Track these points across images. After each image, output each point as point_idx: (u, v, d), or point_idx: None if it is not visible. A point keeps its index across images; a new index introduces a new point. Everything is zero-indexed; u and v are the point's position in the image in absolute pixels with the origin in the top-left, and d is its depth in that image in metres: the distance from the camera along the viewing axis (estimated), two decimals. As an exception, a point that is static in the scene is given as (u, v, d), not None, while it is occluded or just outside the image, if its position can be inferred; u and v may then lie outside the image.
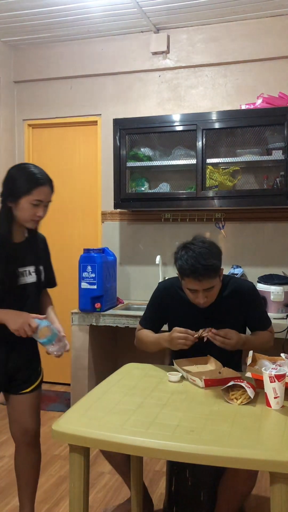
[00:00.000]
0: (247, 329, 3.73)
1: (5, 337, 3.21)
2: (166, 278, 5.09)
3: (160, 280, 5.88)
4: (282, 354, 3.25)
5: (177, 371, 3.34)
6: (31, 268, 3.34)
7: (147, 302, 3.84)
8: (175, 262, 3.41)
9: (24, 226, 3.24)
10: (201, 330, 3.33)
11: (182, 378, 3.27)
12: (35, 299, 3.41)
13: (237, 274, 5.68)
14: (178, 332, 3.34)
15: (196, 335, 3.32)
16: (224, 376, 3.14)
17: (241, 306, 3.58)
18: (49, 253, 3.59)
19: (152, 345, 3.61)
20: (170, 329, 3.73)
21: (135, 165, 5.96)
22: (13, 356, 3.32)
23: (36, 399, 3.47)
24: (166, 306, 3.69)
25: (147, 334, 3.69)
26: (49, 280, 3.58)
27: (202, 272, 3.25)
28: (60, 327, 3.34)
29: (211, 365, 3.39)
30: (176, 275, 3.59)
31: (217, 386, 3.01)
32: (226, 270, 3.62)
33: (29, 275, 3.32)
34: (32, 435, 3.45)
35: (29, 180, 3.11)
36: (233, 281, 3.65)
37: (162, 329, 3.78)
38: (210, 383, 3.08)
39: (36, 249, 3.40)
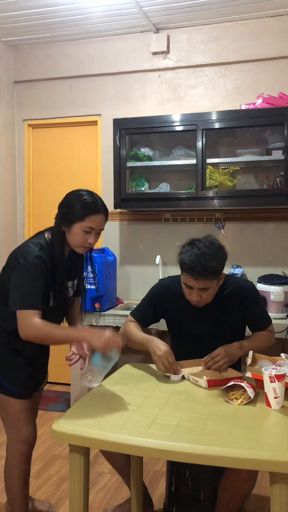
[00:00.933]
0: (247, 330, 3.74)
1: (26, 349, 3.36)
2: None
3: (160, 278, 5.90)
4: (282, 354, 3.26)
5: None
6: (71, 282, 3.51)
7: (146, 298, 3.83)
8: (178, 255, 3.40)
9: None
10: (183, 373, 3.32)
11: (183, 377, 3.27)
12: (68, 312, 3.63)
13: (237, 274, 5.68)
14: (166, 359, 3.27)
15: (178, 373, 3.30)
16: (226, 376, 3.14)
17: (240, 305, 3.57)
18: (83, 265, 3.68)
19: (136, 343, 3.54)
20: (168, 327, 3.74)
21: (135, 165, 5.95)
22: (38, 365, 3.51)
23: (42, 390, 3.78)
24: (163, 303, 3.66)
25: (134, 330, 3.62)
26: (79, 290, 3.71)
27: (200, 271, 3.24)
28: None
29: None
30: (178, 274, 3.60)
31: (220, 386, 3.01)
32: (226, 270, 3.62)
33: (70, 289, 3.50)
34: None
35: (84, 207, 3.20)
36: (232, 280, 3.64)
37: (162, 328, 3.77)
38: (213, 384, 3.08)
39: (76, 263, 3.54)
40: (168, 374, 3.28)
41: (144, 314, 3.74)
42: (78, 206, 3.19)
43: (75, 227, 3.19)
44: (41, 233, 3.37)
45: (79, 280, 3.63)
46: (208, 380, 3.08)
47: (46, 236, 3.31)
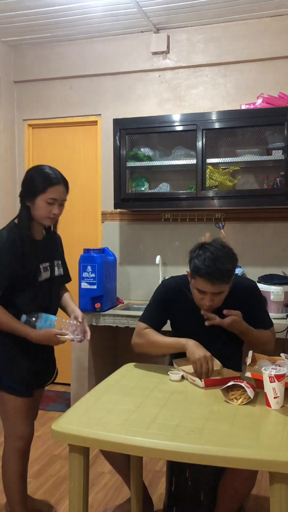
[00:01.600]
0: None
1: (29, 346, 3.39)
2: (166, 278, 5.08)
3: (160, 280, 5.90)
4: (282, 354, 3.25)
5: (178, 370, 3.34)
6: (48, 264, 3.53)
7: (147, 302, 3.77)
8: (189, 260, 3.37)
9: (41, 224, 3.45)
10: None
11: (183, 377, 3.27)
12: (53, 293, 3.62)
13: (237, 274, 5.68)
14: (206, 362, 3.18)
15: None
16: (224, 376, 3.14)
17: (242, 304, 3.56)
18: (63, 251, 3.82)
19: (166, 347, 3.45)
20: (172, 327, 3.73)
21: (135, 165, 5.96)
22: (40, 361, 3.54)
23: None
24: (169, 304, 3.63)
25: (158, 335, 3.52)
26: (65, 275, 3.81)
27: (217, 275, 3.21)
28: (78, 312, 3.62)
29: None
30: (181, 274, 3.60)
31: (217, 386, 3.01)
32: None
33: (47, 271, 3.52)
34: (36, 415, 3.79)
35: (44, 179, 3.31)
36: (235, 279, 3.64)
37: (164, 328, 3.77)
38: (210, 383, 3.08)
39: (53, 246, 3.63)
40: (169, 373, 3.27)
41: (157, 318, 3.64)
42: (39, 179, 3.31)
43: (38, 200, 3.30)
44: (12, 220, 3.47)
45: (62, 264, 3.74)
46: (205, 380, 3.07)
47: (13, 221, 3.43)
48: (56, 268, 3.59)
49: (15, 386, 3.34)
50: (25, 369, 3.37)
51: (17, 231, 3.33)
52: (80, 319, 3.55)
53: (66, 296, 3.79)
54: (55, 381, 3.79)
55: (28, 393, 3.39)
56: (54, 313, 3.59)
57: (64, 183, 3.38)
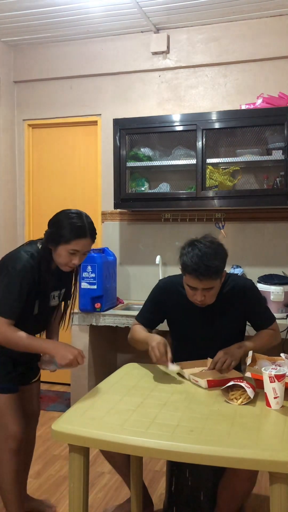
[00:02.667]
0: (246, 330, 3.74)
1: (8, 354, 3.39)
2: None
3: (160, 279, 5.90)
4: (282, 354, 3.26)
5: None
6: (58, 292, 3.55)
7: (147, 300, 3.83)
8: (180, 257, 3.39)
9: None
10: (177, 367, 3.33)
11: (182, 377, 3.27)
12: (50, 319, 3.69)
13: (237, 274, 5.68)
14: (157, 349, 3.26)
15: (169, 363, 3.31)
16: (226, 377, 3.14)
17: (240, 304, 3.57)
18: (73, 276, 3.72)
19: (140, 343, 3.54)
20: (169, 327, 3.74)
21: (135, 165, 5.96)
22: (20, 356, 3.45)
23: (39, 386, 3.84)
24: (164, 304, 3.66)
25: (139, 331, 3.64)
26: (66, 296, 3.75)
27: (203, 272, 3.23)
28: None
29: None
30: (178, 273, 3.60)
31: (220, 387, 3.01)
32: (226, 270, 3.61)
33: (55, 299, 3.54)
34: (37, 416, 3.81)
35: (70, 231, 3.23)
36: (232, 279, 3.64)
37: (162, 328, 3.78)
38: (213, 384, 3.08)
39: (63, 273, 3.53)
40: (166, 365, 3.28)
41: (148, 317, 3.73)
42: (66, 228, 3.23)
43: (60, 248, 3.25)
44: (33, 242, 3.42)
45: (67, 289, 3.69)
46: (208, 381, 3.07)
47: (38, 246, 3.37)
48: (56, 298, 3.57)
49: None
50: (5, 365, 3.37)
51: (37, 260, 3.29)
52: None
53: (55, 327, 3.80)
54: (55, 381, 3.78)
55: (12, 389, 3.39)
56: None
57: (92, 235, 3.31)
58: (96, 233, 3.36)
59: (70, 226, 3.22)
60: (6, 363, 3.38)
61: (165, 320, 3.76)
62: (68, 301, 3.72)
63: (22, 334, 3.16)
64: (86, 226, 3.27)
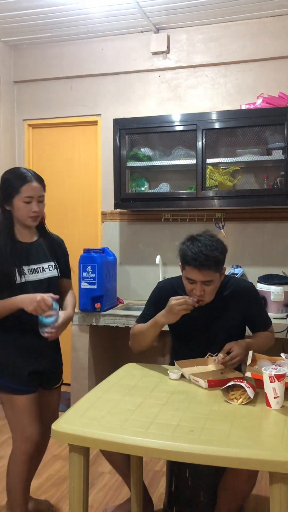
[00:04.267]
0: (247, 330, 3.74)
1: (30, 346, 3.41)
2: (166, 278, 5.07)
3: (160, 280, 5.90)
4: (282, 354, 3.26)
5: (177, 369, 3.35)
6: (37, 266, 3.48)
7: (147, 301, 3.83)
8: (179, 251, 3.42)
9: (27, 225, 3.41)
10: (191, 299, 3.34)
11: (182, 376, 3.27)
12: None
13: (237, 274, 5.68)
14: (175, 299, 3.31)
15: (193, 300, 3.33)
16: (227, 377, 3.14)
17: (240, 306, 3.57)
18: (67, 253, 3.78)
19: (149, 329, 3.52)
20: (170, 329, 3.74)
21: (135, 165, 5.96)
22: (42, 361, 3.50)
23: (60, 393, 3.86)
24: (164, 305, 3.65)
25: (141, 325, 3.63)
26: (64, 272, 3.72)
27: (203, 261, 3.25)
28: (62, 315, 3.45)
29: (212, 366, 3.39)
30: (176, 276, 3.60)
31: (220, 387, 3.01)
32: (226, 270, 3.62)
33: (38, 273, 3.47)
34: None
35: (16, 179, 3.31)
36: (232, 281, 3.65)
37: (163, 328, 3.78)
38: (213, 384, 3.08)
39: (48, 248, 3.56)
40: (168, 372, 3.28)
41: (149, 317, 3.66)
42: (12, 180, 3.31)
43: (15, 202, 3.30)
44: None
45: (62, 264, 3.68)
46: (208, 381, 3.07)
47: None
48: (47, 270, 3.52)
49: (16, 385, 3.33)
50: (23, 366, 3.36)
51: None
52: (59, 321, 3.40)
53: (67, 300, 3.72)
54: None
55: (29, 390, 3.38)
56: None
57: (38, 179, 3.37)
58: (42, 179, 3.42)
59: (14, 176, 3.33)
60: (25, 363, 3.39)
61: None
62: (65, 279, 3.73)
63: None
64: (29, 173, 3.36)
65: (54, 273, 3.57)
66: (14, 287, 3.33)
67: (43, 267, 3.49)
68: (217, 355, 3.34)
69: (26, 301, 3.22)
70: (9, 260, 3.32)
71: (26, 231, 3.45)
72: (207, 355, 3.43)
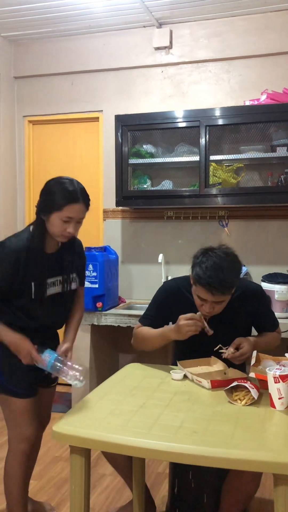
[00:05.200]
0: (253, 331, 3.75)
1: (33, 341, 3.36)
2: (169, 277, 5.07)
3: (162, 279, 5.90)
4: (286, 354, 3.25)
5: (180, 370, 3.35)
6: (59, 278, 3.44)
7: (149, 301, 3.81)
8: (192, 267, 3.34)
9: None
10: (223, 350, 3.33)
11: (185, 377, 3.27)
12: (61, 309, 3.56)
13: (246, 278, 5.67)
14: (185, 319, 3.28)
15: (204, 325, 3.31)
16: (230, 377, 3.14)
17: (248, 308, 3.57)
18: (85, 257, 3.75)
19: (156, 339, 3.54)
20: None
21: (137, 162, 5.96)
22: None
23: (55, 390, 3.83)
24: (169, 307, 3.64)
25: (148, 330, 3.62)
26: (81, 280, 3.70)
27: (217, 287, 3.19)
28: (66, 346, 3.44)
29: (216, 366, 3.39)
30: (182, 276, 3.60)
31: (224, 387, 3.00)
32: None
33: (57, 286, 3.43)
34: (48, 422, 3.80)
35: (62, 196, 3.15)
36: (241, 284, 3.62)
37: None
38: (217, 385, 3.07)
39: (70, 258, 3.51)
40: (171, 372, 3.29)
41: (154, 318, 3.70)
42: (57, 195, 3.16)
43: (53, 217, 3.17)
44: (29, 225, 3.38)
45: (79, 272, 3.63)
46: (212, 381, 3.07)
47: (29, 228, 3.34)
48: (68, 282, 3.49)
49: (16, 388, 3.33)
50: (26, 369, 3.34)
51: (28, 243, 3.24)
52: (67, 359, 3.36)
53: (73, 321, 3.70)
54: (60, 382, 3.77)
55: (30, 393, 3.38)
56: (59, 328, 3.65)
57: (84, 201, 3.23)
58: (89, 199, 3.28)
59: (62, 191, 3.16)
60: (22, 365, 3.34)
61: (170, 323, 3.74)
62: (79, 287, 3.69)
63: None
64: (78, 191, 3.20)
65: (74, 285, 3.56)
66: (38, 300, 3.31)
67: (66, 279, 3.47)
68: (227, 348, 3.34)
69: (13, 344, 3.25)
70: (37, 272, 3.27)
71: (52, 242, 3.36)
72: (218, 346, 3.40)
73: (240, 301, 3.55)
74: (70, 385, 3.78)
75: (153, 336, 3.57)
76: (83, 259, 3.70)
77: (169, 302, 3.64)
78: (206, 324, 3.31)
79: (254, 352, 3.31)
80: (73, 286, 3.54)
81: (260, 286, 3.74)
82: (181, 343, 3.58)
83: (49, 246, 3.35)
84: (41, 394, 3.56)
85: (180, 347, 3.69)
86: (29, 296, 3.25)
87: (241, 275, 3.76)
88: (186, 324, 3.28)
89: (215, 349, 3.39)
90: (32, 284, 3.25)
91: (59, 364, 3.19)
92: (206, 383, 3.08)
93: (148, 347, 3.65)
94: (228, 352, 3.31)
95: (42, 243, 3.28)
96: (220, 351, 3.36)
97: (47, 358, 3.21)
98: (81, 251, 3.69)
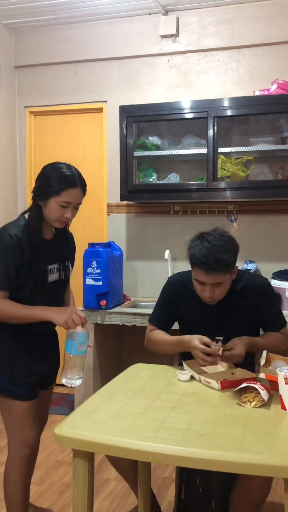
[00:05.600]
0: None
1: (37, 349, 3.45)
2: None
3: (169, 276, 5.89)
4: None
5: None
6: (56, 266, 3.49)
7: (156, 299, 3.83)
8: (188, 250, 3.42)
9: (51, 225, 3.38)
10: (213, 345, 3.31)
11: (192, 378, 3.27)
12: (60, 297, 3.62)
13: (250, 269, 5.67)
14: (201, 350, 3.26)
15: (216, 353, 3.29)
16: (239, 377, 3.13)
17: (253, 302, 3.56)
18: (75, 246, 3.79)
19: (174, 346, 3.58)
20: (180, 325, 3.74)
21: (142, 154, 5.95)
22: (45, 362, 3.54)
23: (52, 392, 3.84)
24: (175, 302, 3.67)
25: (163, 336, 3.65)
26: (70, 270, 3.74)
27: (212, 265, 3.24)
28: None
29: (222, 366, 3.38)
30: (188, 270, 3.60)
31: (233, 388, 2.99)
32: (239, 266, 3.61)
33: (54, 273, 3.48)
34: (45, 424, 3.80)
35: (59, 181, 3.23)
36: (246, 276, 3.64)
37: (172, 327, 3.77)
38: (226, 385, 3.06)
39: (63, 246, 3.57)
40: (177, 373, 3.29)
41: (163, 317, 3.75)
42: (55, 179, 3.23)
43: (51, 202, 3.24)
44: (22, 214, 3.42)
45: (67, 263, 3.65)
46: (221, 382, 3.06)
47: (26, 216, 3.37)
48: (64, 270, 3.55)
49: (17, 390, 3.33)
50: (26, 370, 3.35)
51: (26, 230, 3.28)
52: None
53: (69, 300, 3.75)
54: (58, 383, 3.76)
55: (32, 395, 3.38)
56: None
57: (82, 185, 3.32)
58: (86, 185, 3.37)
59: (59, 176, 3.24)
60: (24, 366, 3.37)
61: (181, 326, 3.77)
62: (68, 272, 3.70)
63: (15, 303, 3.20)
64: (75, 176, 3.29)
65: (68, 273, 3.61)
66: (43, 288, 3.36)
67: (62, 266, 3.53)
68: (217, 342, 3.32)
69: (57, 313, 3.24)
70: (40, 259, 3.32)
71: (48, 227, 3.41)
72: (214, 339, 3.39)
73: (245, 294, 3.56)
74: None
75: (169, 343, 3.60)
76: (74, 248, 3.77)
77: (175, 296, 3.68)
78: (220, 352, 3.29)
79: (264, 352, 3.31)
80: (68, 273, 3.61)
81: (266, 280, 3.72)
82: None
83: (46, 233, 3.41)
84: (40, 395, 3.55)
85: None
86: (32, 283, 3.30)
87: (251, 271, 3.76)
88: (199, 355, 3.27)
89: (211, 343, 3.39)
90: (34, 270, 3.30)
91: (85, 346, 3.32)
92: (216, 383, 3.08)
93: (164, 351, 3.70)
94: (215, 347, 3.30)
95: (40, 229, 3.34)
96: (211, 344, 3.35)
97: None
98: (72, 239, 3.76)
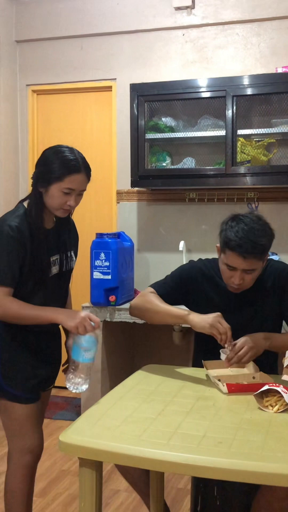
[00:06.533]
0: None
1: (41, 350, 3.44)
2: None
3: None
4: None
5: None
6: (58, 257, 3.47)
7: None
8: (220, 232, 3.40)
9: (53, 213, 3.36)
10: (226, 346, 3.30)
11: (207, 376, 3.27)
12: (62, 291, 3.62)
13: (273, 258, 5.66)
14: (220, 322, 3.23)
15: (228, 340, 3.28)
16: (257, 381, 3.12)
17: (276, 290, 3.54)
18: (78, 235, 3.76)
19: (170, 316, 3.47)
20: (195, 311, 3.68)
21: (155, 137, 5.95)
22: (48, 363, 3.54)
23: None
24: (191, 287, 3.64)
25: (161, 302, 3.53)
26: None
27: (249, 249, 3.23)
28: None
29: (248, 369, 3.37)
30: (211, 258, 3.59)
31: (243, 393, 2.99)
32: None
33: (56, 265, 3.46)
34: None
35: (62, 165, 3.19)
36: (269, 262, 3.62)
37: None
38: (234, 389, 3.05)
39: (66, 235, 3.55)
40: (220, 351, 3.30)
41: (169, 290, 3.67)
42: (57, 164, 3.19)
43: (52, 188, 3.20)
44: (20, 202, 3.40)
45: (71, 253, 3.63)
46: (228, 384, 3.04)
47: (25, 204, 3.34)
48: (67, 261, 3.53)
49: (19, 392, 3.33)
50: (29, 372, 3.36)
51: (26, 219, 3.26)
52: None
53: (68, 304, 3.76)
54: (63, 386, 3.77)
55: (34, 398, 3.38)
56: None
57: (86, 171, 3.27)
58: (90, 170, 3.32)
59: (62, 161, 3.20)
60: (26, 367, 3.38)
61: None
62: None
63: (23, 303, 3.19)
64: (79, 160, 3.24)
65: (72, 265, 3.60)
66: (45, 281, 3.35)
67: (63, 258, 3.50)
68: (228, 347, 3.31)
69: (69, 315, 3.21)
70: (43, 251, 3.30)
71: (49, 216, 3.38)
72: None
73: (268, 282, 3.56)
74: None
75: (167, 312, 3.49)
76: (77, 237, 3.74)
77: (192, 281, 3.65)
78: (230, 341, 3.28)
79: (287, 353, 3.29)
80: (71, 265, 3.58)
81: (286, 264, 3.71)
82: (203, 342, 3.57)
83: (46, 222, 3.38)
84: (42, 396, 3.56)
85: (202, 346, 3.67)
86: (34, 276, 3.29)
87: (274, 259, 3.74)
88: (218, 324, 3.24)
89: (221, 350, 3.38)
90: (36, 262, 3.28)
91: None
92: (222, 386, 3.05)
93: (151, 319, 3.65)
94: (225, 353, 3.29)
95: (41, 218, 3.31)
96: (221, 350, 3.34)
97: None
98: (75, 228, 3.72)
